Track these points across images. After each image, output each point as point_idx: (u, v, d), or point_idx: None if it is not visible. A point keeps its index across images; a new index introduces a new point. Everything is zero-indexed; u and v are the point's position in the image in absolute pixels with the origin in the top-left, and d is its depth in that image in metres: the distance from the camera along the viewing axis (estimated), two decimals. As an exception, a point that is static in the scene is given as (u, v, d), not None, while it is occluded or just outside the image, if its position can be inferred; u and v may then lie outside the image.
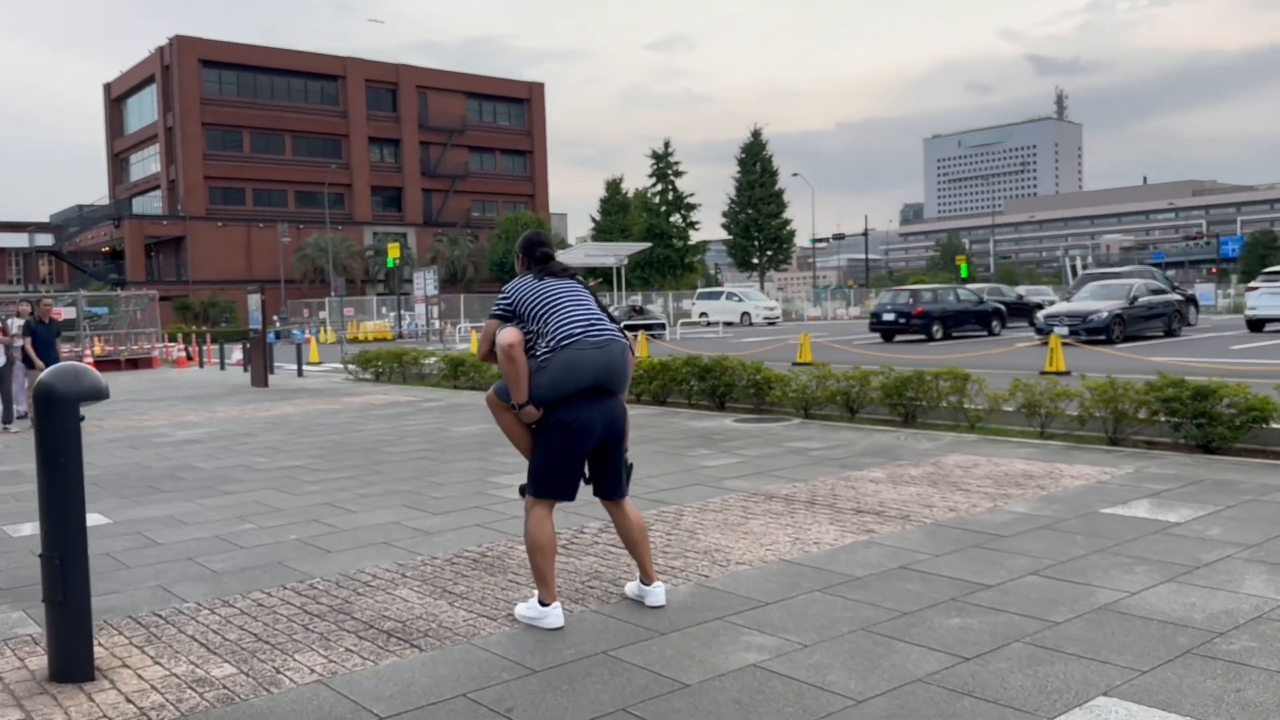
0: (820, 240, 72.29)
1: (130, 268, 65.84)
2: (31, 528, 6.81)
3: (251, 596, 5.01)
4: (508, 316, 4.48)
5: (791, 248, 67.98)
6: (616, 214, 69.90)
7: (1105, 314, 23.07)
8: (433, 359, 18.59)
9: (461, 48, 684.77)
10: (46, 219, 74.37)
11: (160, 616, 4.72)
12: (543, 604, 4.38)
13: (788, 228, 66.06)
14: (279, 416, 13.75)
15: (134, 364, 27.39)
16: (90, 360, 26.13)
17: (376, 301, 55.53)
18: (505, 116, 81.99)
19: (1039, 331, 24.17)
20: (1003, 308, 29.31)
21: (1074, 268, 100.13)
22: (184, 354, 28.78)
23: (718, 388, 12.41)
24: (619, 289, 39.46)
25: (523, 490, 4.67)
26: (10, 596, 5.17)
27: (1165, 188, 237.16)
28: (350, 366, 20.22)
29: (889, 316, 27.25)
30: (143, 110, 73.38)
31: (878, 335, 28.15)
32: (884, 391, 10.50)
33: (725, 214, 65.97)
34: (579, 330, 4.35)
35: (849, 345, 23.71)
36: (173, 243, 68.68)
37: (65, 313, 27.45)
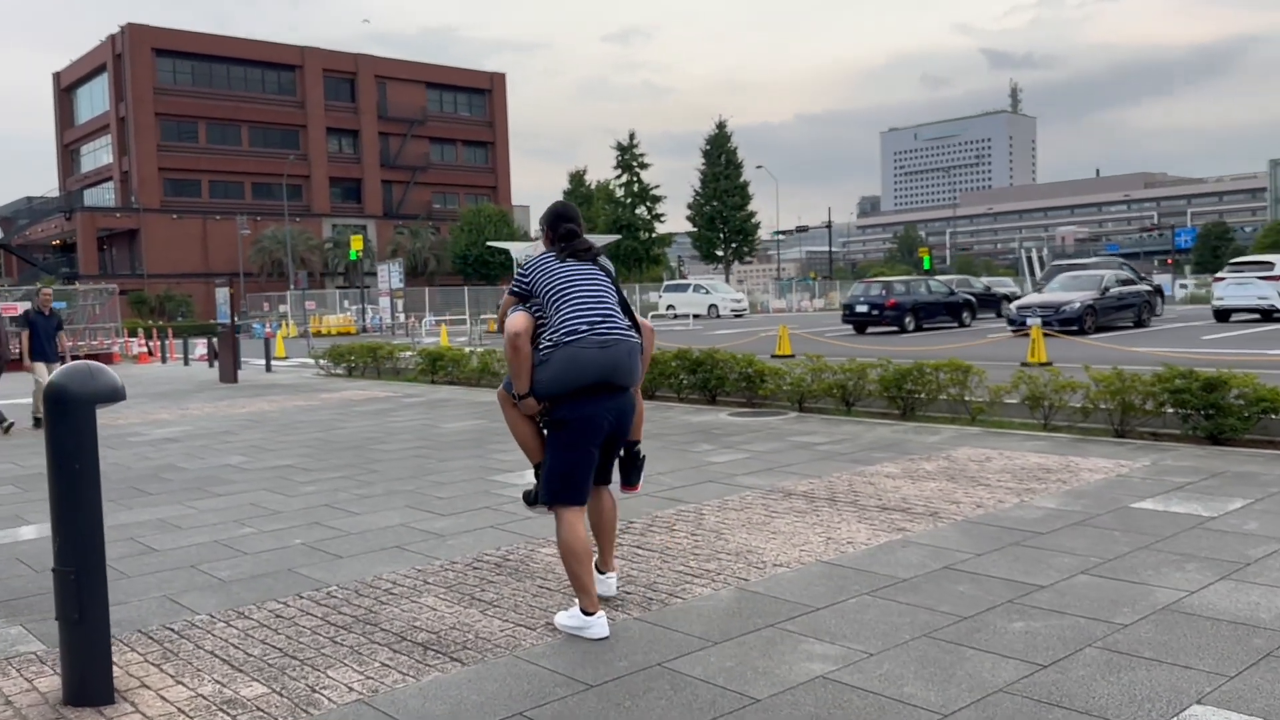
0: (784, 232, 72.34)
1: (83, 261, 64.42)
2: (2, 534, 6.46)
3: (268, 607, 4.73)
4: (523, 295, 4.30)
5: (756, 240, 67.96)
6: (580, 206, 69.32)
7: (1078, 305, 23.19)
8: (409, 353, 18.24)
9: (418, 39, 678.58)
10: (-7, 211, 72.59)
11: (173, 630, 4.43)
12: (585, 613, 4.18)
13: (753, 219, 66.03)
14: (256, 414, 13.36)
15: (18, 365, 26.58)
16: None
17: (339, 295, 54.69)
18: (466, 107, 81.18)
19: (1011, 322, 24.27)
20: (973, 299, 29.44)
21: (1030, 260, 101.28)
22: (145, 349, 28.07)
23: (709, 381, 12.22)
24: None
25: (527, 497, 4.55)
26: (3, 610, 4.85)
27: (1118, 180, 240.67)
28: (322, 361, 19.79)
29: (862, 308, 27.24)
30: (94, 100, 71.76)
31: (849, 327, 28.18)
32: (882, 384, 10.36)
33: (690, 206, 65.81)
34: (585, 327, 4.13)
35: (822, 337, 23.66)
36: (126, 235, 67.29)
37: (19, 307, 26.69)
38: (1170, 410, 8.40)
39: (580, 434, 4.16)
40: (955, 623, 4.15)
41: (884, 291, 27.27)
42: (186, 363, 26.91)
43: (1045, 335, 16.30)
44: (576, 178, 70.36)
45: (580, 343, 4.08)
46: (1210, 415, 8.09)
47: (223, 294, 19.03)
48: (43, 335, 12.83)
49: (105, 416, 13.28)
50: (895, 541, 5.45)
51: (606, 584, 4.56)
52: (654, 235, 65.49)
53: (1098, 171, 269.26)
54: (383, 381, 17.63)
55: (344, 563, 5.48)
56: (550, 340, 4.12)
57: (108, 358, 27.12)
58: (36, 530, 6.54)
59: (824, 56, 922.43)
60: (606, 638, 4.13)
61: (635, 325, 4.36)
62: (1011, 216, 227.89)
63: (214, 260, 67.20)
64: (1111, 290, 24.35)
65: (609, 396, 4.19)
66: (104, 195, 69.99)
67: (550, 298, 4.20)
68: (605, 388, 4.16)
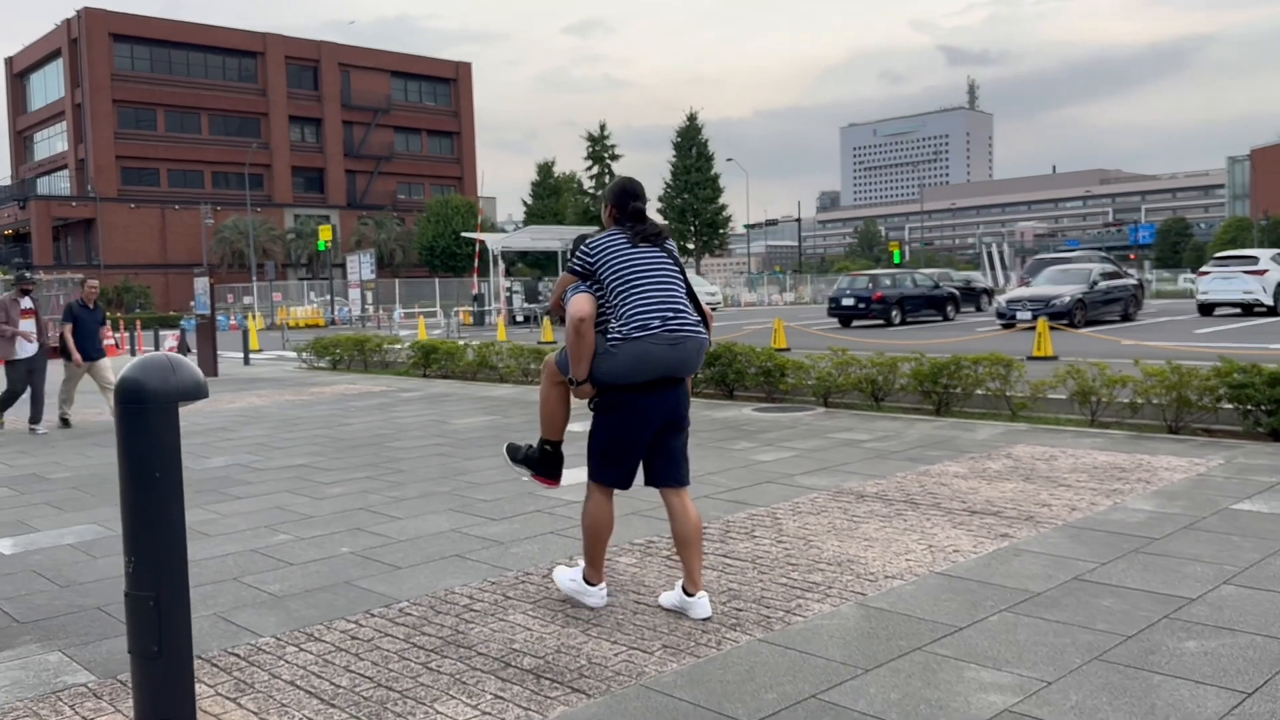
0: (754, 225, 72.10)
1: (37, 251, 62.68)
2: (12, 543, 5.90)
3: (338, 627, 4.24)
4: (585, 274, 4.14)
5: (727, 233, 67.62)
6: (548, 198, 68.87)
7: (1068, 298, 23.05)
8: (399, 346, 17.65)
9: (376, 28, 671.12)
10: (-59, 200, 70.47)
11: (238, 656, 3.94)
12: (589, 583, 4.32)
13: (724, 213, 65.68)
14: (248, 409, 12.75)
15: (57, 352, 25.63)
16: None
17: (305, 286, 53.59)
18: (431, 96, 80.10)
19: (1000, 316, 24.10)
20: (956, 293, 29.30)
21: (991, 255, 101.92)
22: (112, 341, 27.08)
23: (726, 374, 11.81)
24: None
25: (513, 453, 4.56)
26: (36, 632, 4.32)
27: (1074, 176, 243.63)
28: (304, 354, 19.12)
29: (848, 301, 26.97)
30: (48, 86, 69.84)
31: (833, 320, 27.90)
32: (916, 378, 9.99)
33: (661, 199, 65.30)
34: (657, 323, 3.99)
35: (808, 329, 23.34)
36: (82, 225, 65.59)
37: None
38: (1228, 406, 8.12)
39: (635, 420, 4.09)
40: (1121, 643, 3.76)
41: (870, 285, 27.02)
42: (133, 353, 25.96)
43: (1045, 329, 16.06)
44: (545, 169, 69.63)
45: (652, 339, 3.96)
46: (1273, 411, 7.80)
47: (202, 284, 18.29)
48: (87, 330, 11.63)
49: (87, 411, 12.63)
50: (1004, 549, 5.06)
51: (700, 605, 4.16)
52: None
53: (1054, 168, 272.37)
54: (372, 375, 17.02)
55: (405, 574, 4.99)
56: (620, 333, 3.99)
57: (72, 350, 26.15)
58: (50, 538, 5.99)
59: (784, 53, 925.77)
60: (603, 608, 4.27)
61: (702, 315, 4.22)
62: (970, 212, 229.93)
63: (173, 251, 65.76)
64: (1100, 284, 24.26)
65: (668, 389, 4.12)
66: (59, 184, 68.15)
67: (618, 285, 4.04)
68: (667, 382, 4.10)
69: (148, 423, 3.09)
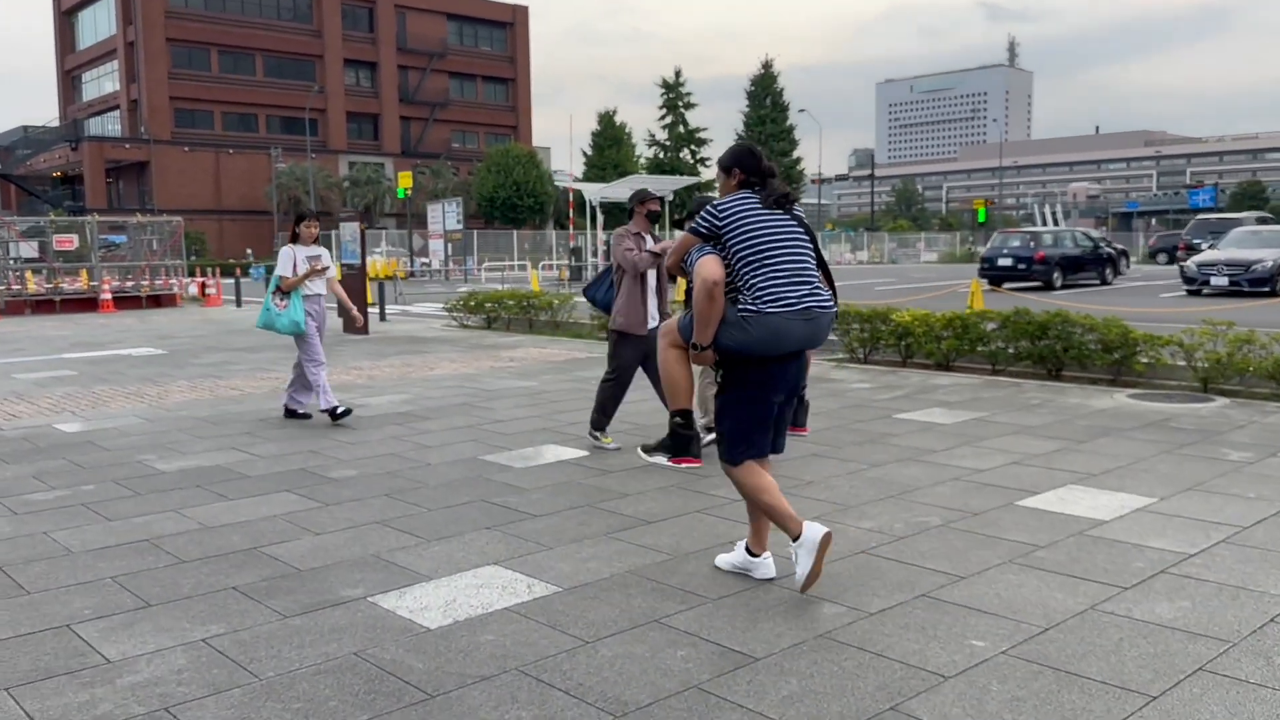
0: (825, 180, 69.49)
1: (89, 194, 60.95)
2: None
3: None
4: (709, 237, 4.03)
5: (802, 187, 65.09)
6: (609, 149, 66.38)
7: (1270, 264, 20.88)
8: (581, 301, 15.65)
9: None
10: (-15, 141, 68.73)
11: None
12: (794, 536, 4.00)
13: (799, 166, 63.08)
14: (466, 376, 10.81)
15: (156, 301, 23.92)
16: (108, 295, 22.71)
17: (383, 236, 51.49)
18: (488, 41, 77.45)
19: (1189, 281, 21.98)
20: (1115, 254, 27.06)
21: (1044, 216, 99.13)
22: (210, 290, 25.27)
23: (1054, 350, 9.81)
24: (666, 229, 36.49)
25: (646, 448, 4.58)
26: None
27: (1119, 137, 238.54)
28: (455, 312, 17.21)
29: (1005, 261, 24.82)
30: (98, 24, 67.67)
31: (984, 281, 25.74)
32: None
33: (732, 150, 62.68)
34: (794, 297, 3.94)
35: (956, 290, 21.25)
36: (135, 168, 63.74)
37: (72, 240, 23.89)
38: None
39: (765, 390, 4.04)
40: None
41: (1031, 243, 24.82)
42: (239, 304, 24.20)
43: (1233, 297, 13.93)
44: (606, 118, 66.93)
45: (786, 314, 3.91)
46: None
47: (351, 229, 16.38)
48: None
49: (262, 377, 10.73)
50: None
51: (765, 566, 4.30)
52: (700, 181, 62.60)
53: (1097, 129, 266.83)
54: (546, 337, 15.09)
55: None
56: (753, 305, 3.92)
57: (171, 299, 24.41)
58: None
59: (818, 6, 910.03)
60: (773, 578, 4.19)
61: (830, 283, 4.23)
62: (1011, 172, 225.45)
63: (227, 196, 63.96)
64: (1300, 248, 22.03)
65: (794, 359, 4.09)
66: (108, 125, 66.25)
67: (750, 255, 3.96)
68: (794, 354, 4.06)
69: None
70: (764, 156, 4.23)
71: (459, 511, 5.43)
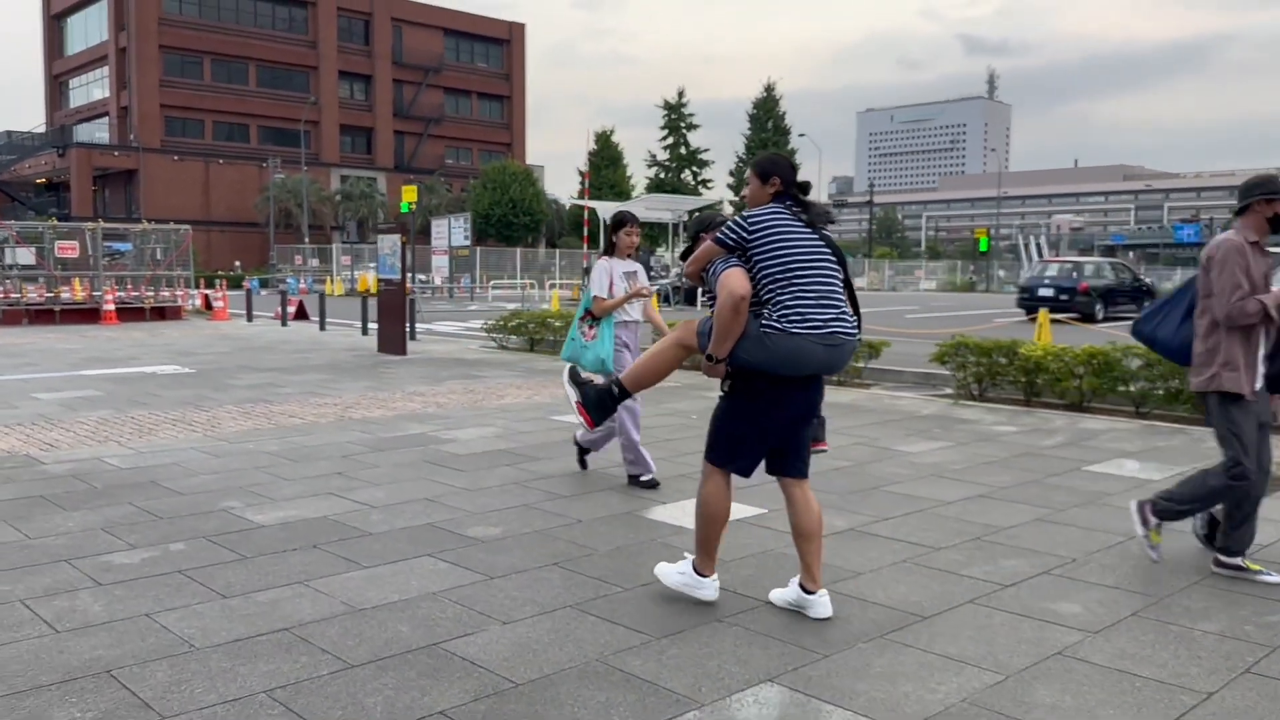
0: (837, 205, 68.75)
1: (75, 201, 59.42)
2: None
3: None
4: (734, 248, 3.85)
5: (804, 212, 64.12)
6: (606, 169, 65.44)
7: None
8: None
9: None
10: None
11: None
12: (700, 574, 4.10)
13: (802, 190, 62.07)
14: (553, 407, 9.68)
15: (160, 314, 22.61)
16: (111, 306, 21.40)
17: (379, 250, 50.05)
18: (484, 58, 76.57)
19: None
20: (1151, 286, 26.28)
21: (1028, 247, 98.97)
22: (218, 303, 23.94)
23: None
24: (671, 248, 35.51)
25: (574, 375, 4.47)
26: None
27: (1097, 171, 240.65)
28: (495, 334, 16.07)
29: (1047, 292, 23.91)
30: (88, 29, 66.22)
31: (1021, 312, 24.87)
32: None
33: (733, 173, 61.96)
34: (819, 320, 3.75)
35: (996, 324, 20.35)
36: (122, 176, 62.20)
37: (74, 247, 22.55)
38: None
39: (775, 412, 3.90)
40: None
41: (1074, 273, 23.96)
42: (250, 319, 22.97)
43: None
44: (603, 138, 65.99)
45: (811, 337, 3.75)
46: None
47: (390, 242, 15.22)
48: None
49: (321, 403, 9.59)
50: None
51: (821, 605, 3.98)
52: (711, 203, 61.77)
53: (1076, 162, 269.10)
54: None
55: None
56: (777, 324, 3.75)
57: (175, 312, 23.12)
58: None
59: (799, 34, 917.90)
60: (715, 601, 4.08)
61: (855, 307, 4.01)
62: (988, 203, 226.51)
63: (216, 207, 62.49)
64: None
65: (814, 382, 3.97)
66: (98, 132, 64.70)
67: (775, 270, 3.79)
68: (813, 378, 3.95)
69: None
70: (796, 170, 4.06)
71: (661, 590, 4.30)
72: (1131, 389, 9.39)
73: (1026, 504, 5.93)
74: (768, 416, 3.90)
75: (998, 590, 4.40)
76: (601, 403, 4.24)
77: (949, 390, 10.93)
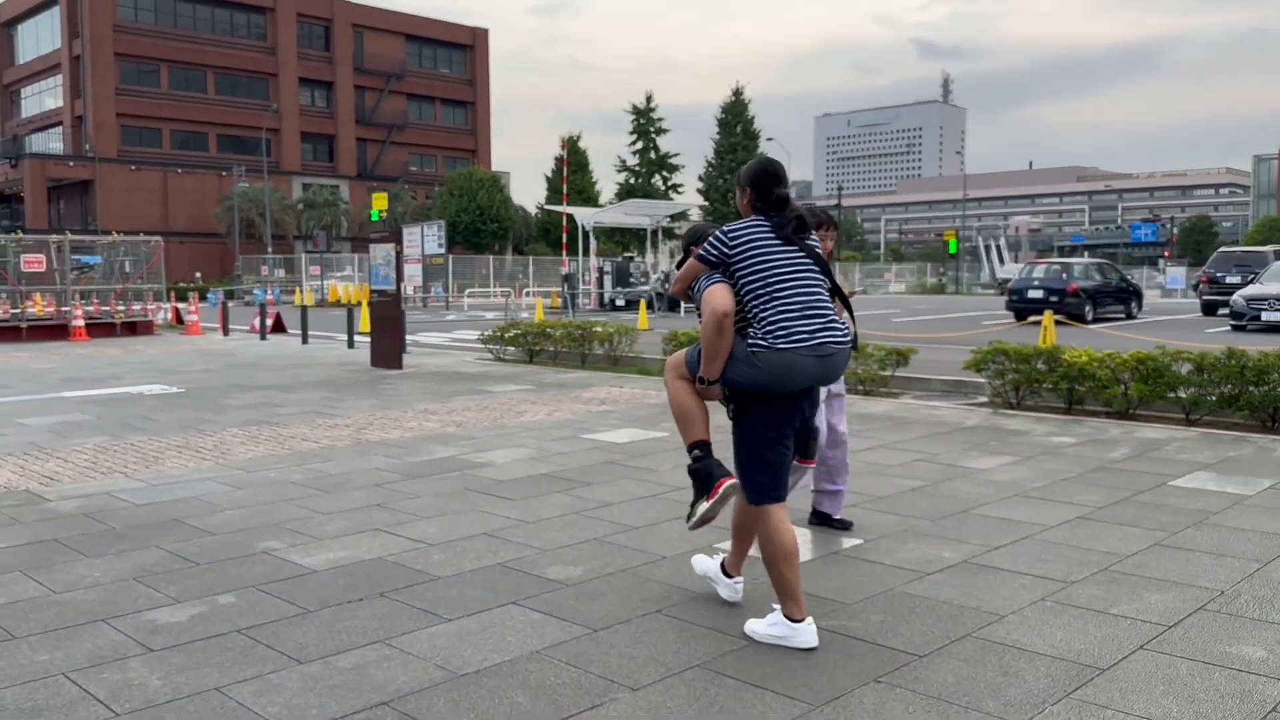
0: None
1: (30, 213, 57.92)
2: None
3: None
4: (716, 264, 3.77)
5: (775, 216, 63.91)
6: (574, 174, 64.88)
7: (1326, 298, 20.06)
8: (649, 334, 14.10)
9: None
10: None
11: None
12: (792, 620, 3.75)
13: (770, 194, 61.84)
14: (578, 424, 9.17)
15: (132, 329, 21.77)
16: (81, 321, 20.55)
17: (356, 260, 49.05)
18: (446, 64, 75.82)
19: (1236, 315, 21.11)
20: (1138, 287, 26.23)
21: (988, 249, 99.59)
22: (190, 316, 23.12)
23: (1267, 398, 8.50)
24: (653, 252, 35.04)
25: (689, 518, 4.00)
26: None
27: (1052, 173, 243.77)
28: (491, 344, 15.50)
29: (1035, 294, 23.75)
30: (39, 37, 64.70)
31: (1009, 315, 24.68)
32: None
33: (702, 179, 61.62)
34: (805, 332, 3.68)
35: (986, 326, 20.14)
36: (78, 186, 60.78)
37: (40, 260, 21.65)
38: None
39: (781, 425, 3.82)
40: None
41: (1063, 275, 23.81)
42: (226, 333, 22.24)
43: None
44: (571, 144, 65.50)
45: (800, 350, 3.67)
46: None
47: (384, 251, 14.60)
48: None
49: (388, 431, 9.03)
50: None
51: (735, 588, 4.22)
52: (686, 208, 61.30)
53: (1030, 164, 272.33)
54: (610, 373, 13.47)
55: None
56: (764, 341, 3.68)
57: (147, 327, 22.28)
58: None
59: (755, 40, 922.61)
60: (815, 647, 3.71)
61: (848, 310, 4.15)
62: (945, 205, 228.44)
63: (174, 217, 61.23)
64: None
65: (807, 394, 3.89)
66: (52, 142, 63.16)
67: (756, 285, 3.71)
68: (807, 390, 3.86)
69: None
70: (780, 179, 3.85)
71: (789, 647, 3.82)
72: (1182, 395, 9.05)
73: (1134, 526, 5.51)
74: (777, 434, 3.82)
75: (1164, 632, 3.97)
76: (703, 477, 3.93)
77: (983, 399, 10.56)
